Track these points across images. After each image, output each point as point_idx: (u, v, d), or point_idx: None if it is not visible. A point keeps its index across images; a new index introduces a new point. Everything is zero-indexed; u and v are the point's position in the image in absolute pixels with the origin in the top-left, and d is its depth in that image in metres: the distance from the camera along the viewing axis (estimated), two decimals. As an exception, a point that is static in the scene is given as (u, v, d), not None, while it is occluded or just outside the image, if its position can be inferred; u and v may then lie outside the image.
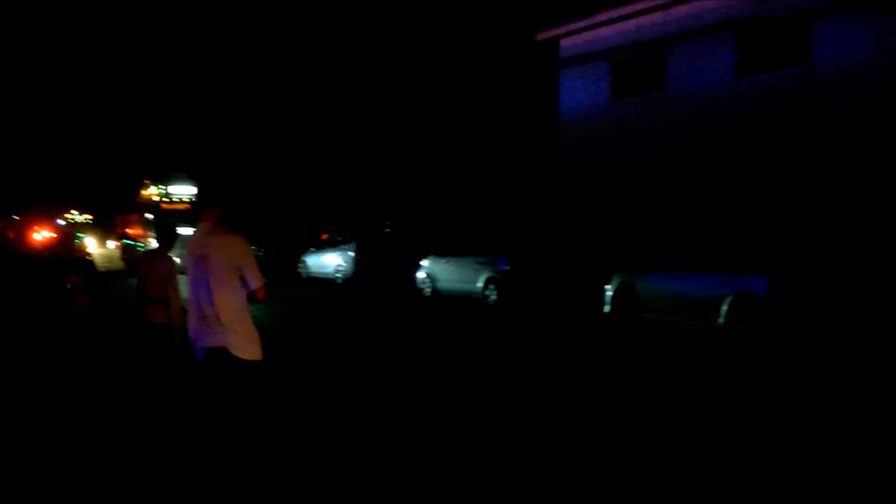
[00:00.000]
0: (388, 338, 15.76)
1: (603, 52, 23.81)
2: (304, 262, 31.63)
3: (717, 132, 20.24)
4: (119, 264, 37.42)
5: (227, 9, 42.65)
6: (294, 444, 7.43)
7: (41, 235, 45.06)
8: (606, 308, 17.63)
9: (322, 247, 30.67)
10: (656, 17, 22.00)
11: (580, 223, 23.37)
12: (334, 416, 8.77)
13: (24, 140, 59.07)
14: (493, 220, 27.70)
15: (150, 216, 33.74)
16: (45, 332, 14.03)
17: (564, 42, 25.07)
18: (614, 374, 11.73)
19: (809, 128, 18.28)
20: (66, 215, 66.05)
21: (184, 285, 6.18)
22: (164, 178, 34.94)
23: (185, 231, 6.94)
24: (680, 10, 21.38)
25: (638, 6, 22.31)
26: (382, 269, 27.31)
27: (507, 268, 21.12)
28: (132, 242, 36.05)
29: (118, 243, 44.46)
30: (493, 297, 21.24)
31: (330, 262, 29.54)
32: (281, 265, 32.44)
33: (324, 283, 29.22)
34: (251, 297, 5.61)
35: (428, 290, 24.13)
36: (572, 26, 24.50)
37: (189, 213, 29.39)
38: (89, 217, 72.01)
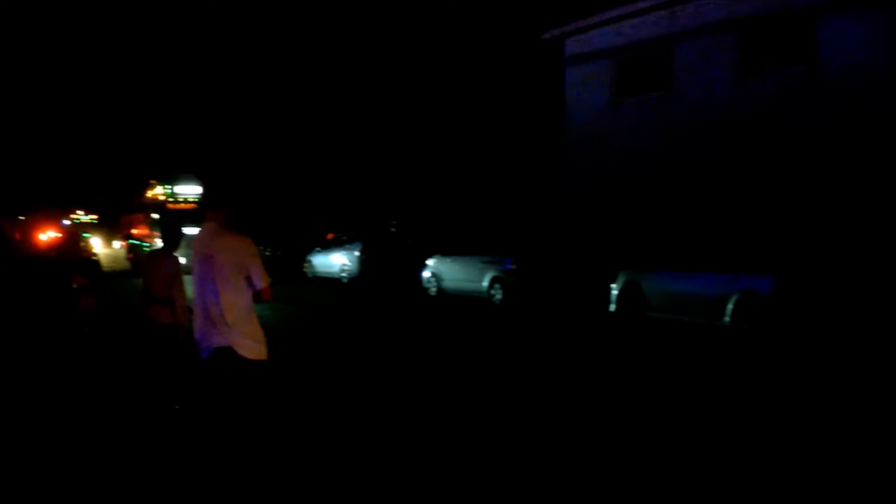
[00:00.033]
0: (394, 337, 15.76)
1: (608, 51, 23.79)
2: (309, 261, 31.66)
3: (723, 131, 20.20)
4: (125, 264, 37.48)
5: (233, 9, 42.66)
6: (299, 444, 7.43)
7: (47, 235, 45.05)
8: (612, 307, 17.62)
9: (327, 246, 30.69)
10: (661, 15, 21.97)
11: (585, 222, 23.35)
12: (339, 415, 8.77)
13: (29, 140, 59.17)
14: (498, 219, 27.67)
15: (156, 216, 33.75)
16: (51, 332, 14.03)
17: (569, 41, 25.05)
18: (620, 373, 11.72)
19: (815, 126, 18.23)
20: (72, 215, 66.06)
21: (189, 285, 6.18)
22: (170, 178, 34.95)
23: (191, 231, 6.94)
24: (685, 9, 21.35)
25: (642, 5, 22.29)
26: (388, 268, 27.31)
27: (513, 267, 21.11)
28: (138, 242, 36.08)
29: (124, 243, 44.53)
30: (499, 297, 21.23)
31: (335, 261, 29.57)
32: (286, 265, 32.44)
33: (329, 282, 29.23)
34: (257, 297, 5.60)
35: (433, 290, 24.12)
36: (577, 25, 24.48)
37: (195, 213, 29.36)
38: (94, 217, 72.00)
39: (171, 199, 34.31)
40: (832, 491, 6.32)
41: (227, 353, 5.43)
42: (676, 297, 15.93)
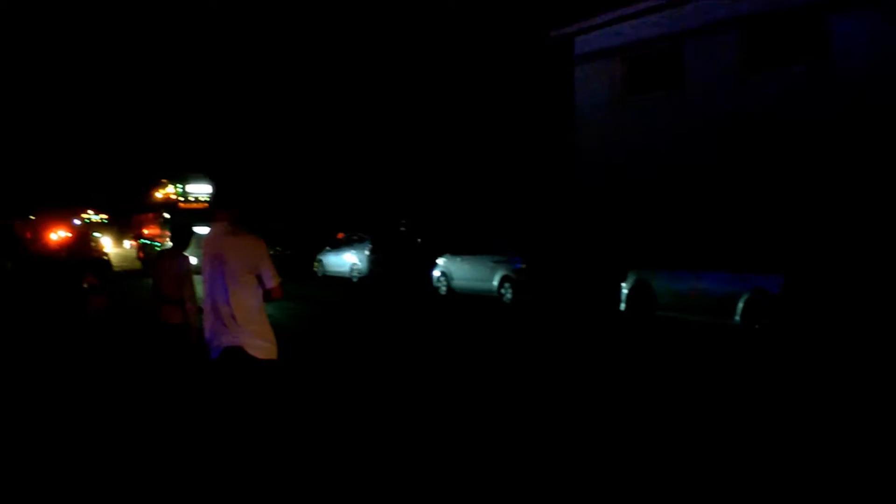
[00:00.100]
0: (404, 337, 15.76)
1: (617, 49, 23.75)
2: (319, 260, 31.70)
3: (732, 129, 20.13)
4: (136, 264, 37.59)
5: (246, 10, 42.76)
6: (309, 443, 7.44)
7: (57, 235, 45.18)
8: (622, 306, 17.60)
9: (338, 245, 30.73)
10: (670, 13, 21.91)
11: (595, 221, 23.31)
12: (349, 415, 8.78)
13: (40, 140, 59.35)
14: (508, 218, 27.66)
15: (167, 215, 33.83)
16: (62, 331, 14.08)
17: (579, 39, 25.03)
18: (630, 373, 11.70)
19: (824, 125, 18.17)
20: (83, 215, 66.26)
21: (199, 284, 6.19)
22: (181, 178, 35.02)
23: (203, 230, 6.94)
24: (694, 7, 21.30)
25: (650, 3, 22.24)
26: (398, 267, 27.32)
27: (523, 266, 21.09)
28: (149, 242, 36.18)
29: (134, 243, 44.65)
30: (509, 296, 21.22)
31: (346, 260, 29.61)
32: (297, 264, 32.50)
33: (339, 281, 29.27)
34: (267, 296, 5.60)
35: (443, 289, 24.12)
36: (586, 24, 24.44)
37: (207, 213, 29.42)
38: (105, 217, 72.23)
39: (182, 199, 34.38)
40: (840, 490, 6.30)
41: (238, 352, 5.43)
42: (686, 296, 15.90)
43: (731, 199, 19.47)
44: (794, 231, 16.67)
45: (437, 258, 24.72)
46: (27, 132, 55.76)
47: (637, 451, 7.35)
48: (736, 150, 19.87)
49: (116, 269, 33.02)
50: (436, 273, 24.58)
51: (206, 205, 32.48)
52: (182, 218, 29.82)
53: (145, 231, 38.13)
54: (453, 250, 24.23)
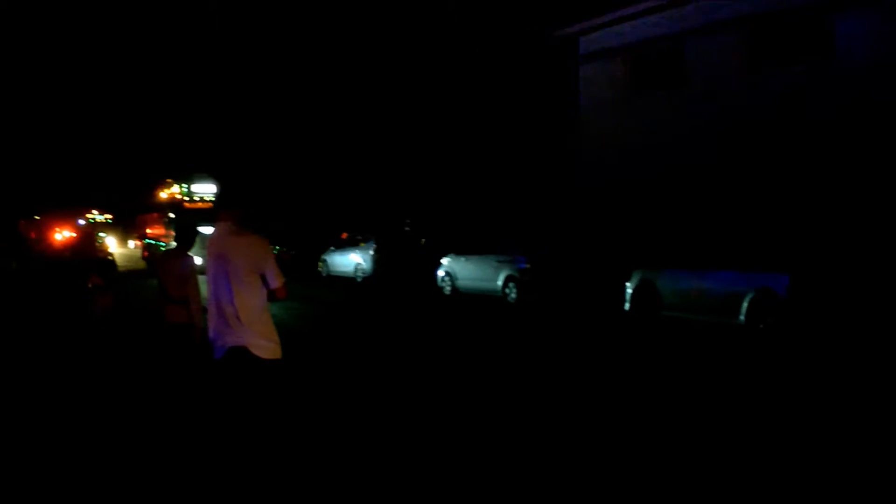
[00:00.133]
0: (408, 336, 15.76)
1: (621, 49, 23.75)
2: (324, 260, 31.72)
3: (737, 127, 20.12)
4: (140, 264, 37.61)
5: (251, 11, 42.79)
6: (313, 443, 7.44)
7: (62, 235, 45.28)
8: (626, 306, 17.59)
9: (342, 246, 30.76)
10: (674, 12, 21.91)
11: (600, 220, 23.31)
12: (353, 415, 8.78)
13: (45, 140, 59.45)
14: (512, 218, 27.66)
15: (172, 215, 33.85)
16: (67, 331, 14.11)
17: (583, 39, 25.03)
18: (634, 372, 11.68)
19: (829, 123, 18.15)
20: (87, 215, 66.38)
21: (204, 284, 6.19)
22: (186, 177, 35.04)
23: (207, 230, 6.95)
24: (698, 6, 21.29)
25: (654, 2, 22.23)
26: (402, 267, 27.34)
27: (527, 266, 21.09)
28: (154, 242, 36.21)
29: (139, 243, 44.69)
30: (513, 296, 21.21)
31: (350, 260, 29.63)
32: (301, 264, 32.52)
33: (344, 281, 29.28)
34: (271, 296, 5.60)
35: (448, 289, 24.13)
36: (591, 23, 24.44)
37: (212, 212, 29.45)
38: (110, 217, 72.38)
39: (187, 199, 34.41)
40: (842, 489, 6.29)
41: (242, 352, 5.43)
42: (691, 296, 15.88)
43: (735, 198, 19.46)
44: (797, 230, 16.66)
45: (441, 258, 24.73)
46: (32, 132, 55.87)
47: (642, 450, 7.35)
48: (738, 149, 19.85)
49: (121, 268, 33.02)
50: (440, 273, 24.59)
51: (211, 205, 32.51)
52: (187, 218, 29.87)
53: (150, 231, 38.20)
54: (457, 250, 24.24)
